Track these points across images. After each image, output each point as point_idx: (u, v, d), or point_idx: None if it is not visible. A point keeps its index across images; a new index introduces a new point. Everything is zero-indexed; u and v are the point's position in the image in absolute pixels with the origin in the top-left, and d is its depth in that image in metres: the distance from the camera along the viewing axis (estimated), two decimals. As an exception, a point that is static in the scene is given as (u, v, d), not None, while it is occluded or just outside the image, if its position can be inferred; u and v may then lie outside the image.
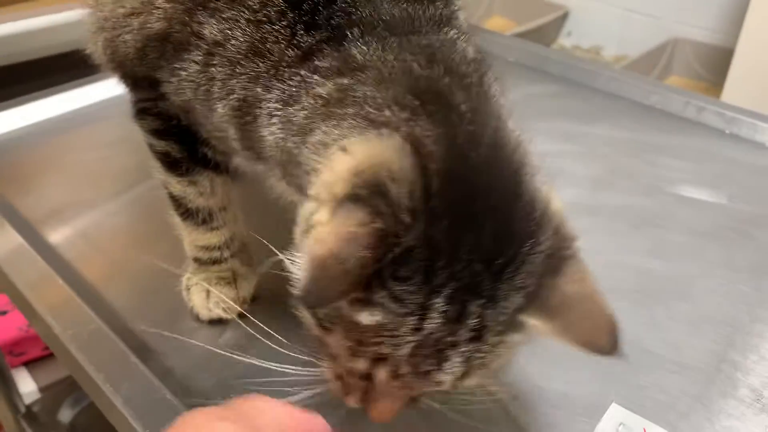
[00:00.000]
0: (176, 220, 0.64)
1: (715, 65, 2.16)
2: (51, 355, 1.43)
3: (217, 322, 0.62)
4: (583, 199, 0.79)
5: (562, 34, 2.46)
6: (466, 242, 0.39)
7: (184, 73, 0.51)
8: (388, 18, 0.45)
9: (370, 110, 0.41)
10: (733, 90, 1.85)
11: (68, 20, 0.96)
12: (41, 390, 1.29)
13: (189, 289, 0.63)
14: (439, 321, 0.39)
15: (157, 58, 0.52)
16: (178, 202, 0.62)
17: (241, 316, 0.61)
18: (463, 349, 0.40)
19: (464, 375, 0.42)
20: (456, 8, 0.49)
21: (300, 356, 0.49)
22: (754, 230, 0.74)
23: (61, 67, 0.93)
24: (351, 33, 0.44)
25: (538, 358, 0.53)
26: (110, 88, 0.95)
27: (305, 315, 0.44)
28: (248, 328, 0.54)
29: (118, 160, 0.86)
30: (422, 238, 0.38)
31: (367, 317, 0.39)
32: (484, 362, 0.42)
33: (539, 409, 0.55)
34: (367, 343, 0.40)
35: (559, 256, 0.41)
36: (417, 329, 0.39)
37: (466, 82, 0.43)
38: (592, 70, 1.04)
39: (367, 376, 0.43)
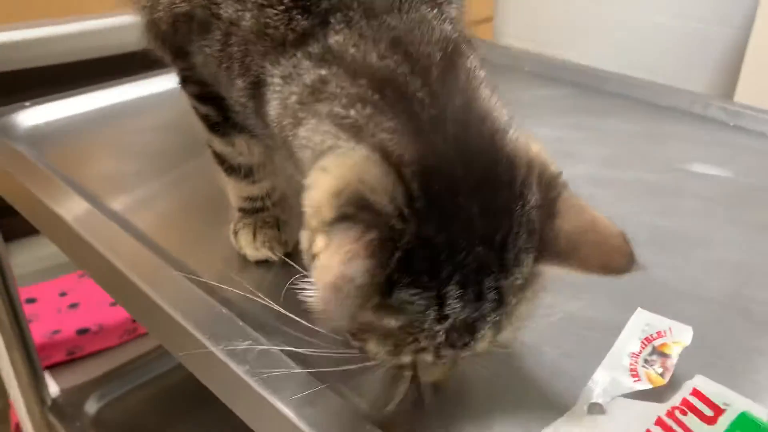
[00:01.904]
0: (221, 174, 0.69)
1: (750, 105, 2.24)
2: (73, 361, 1.46)
3: (263, 264, 0.67)
4: (596, 174, 0.84)
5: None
6: (460, 230, 0.41)
7: (208, 50, 0.55)
8: (367, 1, 0.46)
9: (339, 110, 0.44)
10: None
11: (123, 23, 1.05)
12: (63, 392, 1.31)
13: (237, 233, 0.68)
14: (459, 306, 0.41)
15: (187, 32, 0.57)
16: (221, 159, 0.68)
17: (287, 256, 0.66)
18: (489, 318, 0.43)
19: (498, 332, 0.44)
20: None
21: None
22: (759, 196, 0.79)
23: (120, 66, 1.02)
24: (334, 18, 0.46)
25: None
26: (157, 84, 1.05)
27: (341, 332, 0.46)
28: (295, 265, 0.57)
29: (165, 142, 0.93)
30: (417, 239, 0.40)
31: (393, 322, 0.41)
32: (511, 319, 0.44)
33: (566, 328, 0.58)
34: (403, 343, 0.43)
35: (550, 200, 0.43)
36: (441, 319, 0.41)
37: (425, 64, 0.44)
38: (601, 75, 1.11)
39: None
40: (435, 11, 0.48)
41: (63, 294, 1.63)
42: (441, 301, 0.41)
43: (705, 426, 0.47)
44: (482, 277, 0.41)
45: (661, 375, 0.50)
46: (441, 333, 0.42)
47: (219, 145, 0.66)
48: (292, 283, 0.43)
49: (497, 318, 0.43)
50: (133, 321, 1.55)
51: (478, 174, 0.41)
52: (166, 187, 0.82)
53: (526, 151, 0.44)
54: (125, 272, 0.63)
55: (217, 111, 0.63)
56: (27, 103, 0.97)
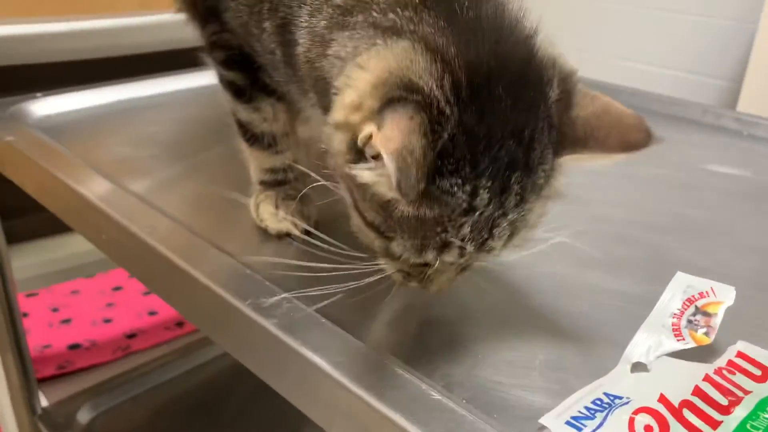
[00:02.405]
0: (243, 146, 0.68)
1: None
2: (62, 375, 1.41)
3: (285, 238, 0.65)
4: (617, 170, 0.83)
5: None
6: (496, 123, 0.42)
7: None
8: None
9: (376, 15, 0.45)
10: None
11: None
12: (55, 401, 1.26)
13: (258, 206, 0.66)
14: (488, 199, 0.42)
15: None
16: (245, 129, 0.67)
17: (306, 233, 0.64)
18: (509, 216, 0.44)
19: (510, 236, 0.45)
20: None
21: (360, 255, 0.51)
22: (782, 192, 0.79)
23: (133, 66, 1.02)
24: None
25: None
26: (169, 84, 1.05)
27: (366, 233, 0.47)
28: (320, 235, 0.56)
29: (181, 133, 0.92)
30: (460, 127, 0.41)
31: (428, 212, 0.42)
32: (526, 221, 0.46)
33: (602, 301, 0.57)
34: (432, 235, 0.43)
35: (567, 92, 0.45)
36: (470, 210, 0.42)
37: None
38: (609, 87, 1.11)
39: (425, 265, 0.46)
40: None
41: (55, 309, 1.59)
42: (474, 192, 0.42)
43: (755, 384, 0.45)
44: (510, 173, 0.42)
45: (706, 334, 0.48)
46: (468, 225, 0.42)
47: (243, 112, 0.66)
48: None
49: (515, 217, 0.44)
50: (127, 337, 1.52)
51: (512, 71, 0.43)
52: (184, 172, 0.80)
53: (551, 53, 0.46)
54: (154, 245, 0.60)
55: (243, 75, 0.64)
56: (39, 94, 0.96)
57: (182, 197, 0.74)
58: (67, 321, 1.55)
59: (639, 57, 2.66)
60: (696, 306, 0.50)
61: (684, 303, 0.50)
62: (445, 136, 0.41)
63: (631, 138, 0.44)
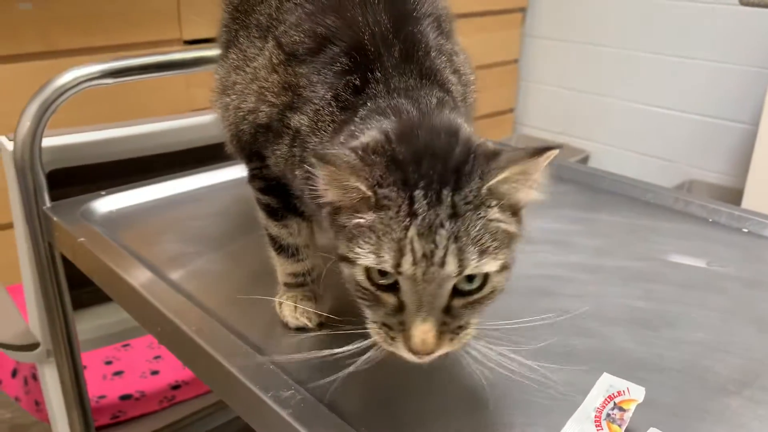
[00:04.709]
0: (272, 254, 0.85)
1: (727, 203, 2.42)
2: (117, 424, 1.58)
3: (301, 330, 0.81)
4: (587, 262, 0.98)
5: (581, 168, 2.73)
6: (424, 160, 0.59)
7: (279, 152, 0.75)
8: (393, 86, 0.68)
9: (361, 126, 0.65)
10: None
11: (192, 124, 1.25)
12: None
13: (281, 305, 0.82)
14: (425, 205, 0.57)
15: (264, 140, 0.77)
16: (274, 240, 0.84)
17: (319, 325, 0.81)
18: (447, 226, 0.58)
19: (460, 252, 0.57)
20: (442, 82, 0.72)
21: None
22: (726, 284, 0.92)
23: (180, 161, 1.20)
24: (363, 107, 0.68)
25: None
26: (210, 177, 1.23)
27: (343, 269, 0.63)
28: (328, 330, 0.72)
29: (217, 226, 1.10)
30: (391, 161, 0.59)
31: (377, 217, 0.59)
32: (470, 239, 0.58)
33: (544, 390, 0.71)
34: (386, 239, 0.58)
35: (481, 145, 0.62)
36: (411, 214, 0.57)
37: (418, 103, 0.66)
38: (595, 174, 1.26)
39: (400, 306, 0.60)
40: (430, 89, 0.69)
41: (108, 362, 1.77)
42: (411, 201, 0.58)
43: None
44: (441, 187, 0.59)
45: (619, 426, 0.62)
46: (413, 228, 0.57)
47: (274, 228, 0.83)
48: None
49: (453, 230, 0.58)
50: (172, 388, 1.69)
51: (439, 144, 0.61)
52: (223, 265, 0.98)
53: (477, 140, 0.63)
54: (186, 330, 0.78)
55: (276, 199, 0.82)
56: (103, 192, 1.15)
57: (215, 286, 0.92)
58: (119, 373, 1.72)
59: (663, 102, 2.79)
60: (614, 402, 0.64)
61: (605, 399, 0.64)
62: (381, 167, 0.59)
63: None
